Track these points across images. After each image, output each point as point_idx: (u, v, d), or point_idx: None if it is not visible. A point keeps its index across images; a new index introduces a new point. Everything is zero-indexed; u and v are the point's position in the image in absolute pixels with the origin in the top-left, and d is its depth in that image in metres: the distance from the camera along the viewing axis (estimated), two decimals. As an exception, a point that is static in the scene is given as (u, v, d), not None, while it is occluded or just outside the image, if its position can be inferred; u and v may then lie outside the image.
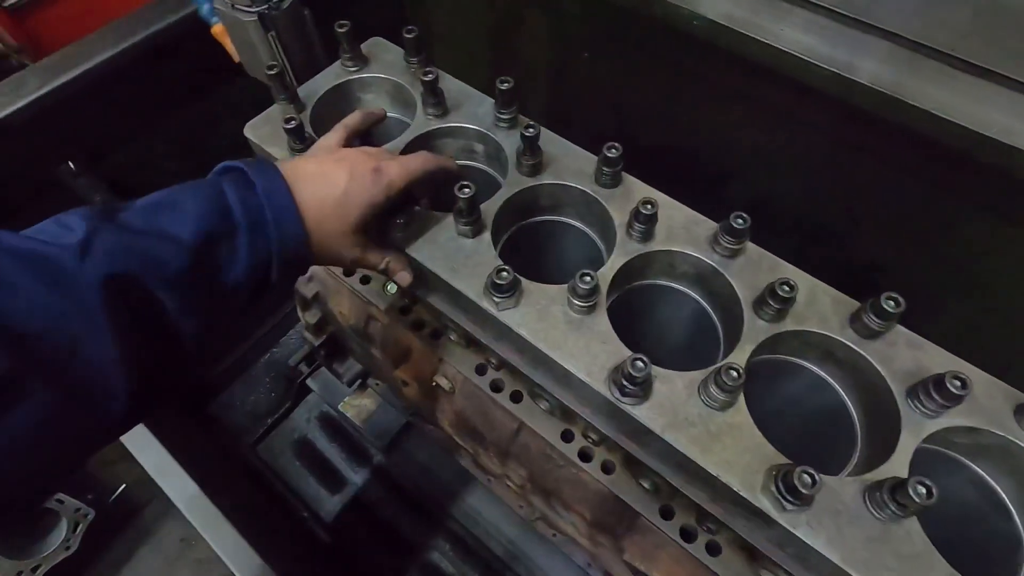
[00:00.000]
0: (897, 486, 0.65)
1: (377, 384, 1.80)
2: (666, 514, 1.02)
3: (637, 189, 0.97)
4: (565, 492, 1.20)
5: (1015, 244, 1.24)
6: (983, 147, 1.03)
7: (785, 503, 0.68)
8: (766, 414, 0.95)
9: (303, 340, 1.92)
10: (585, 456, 1.08)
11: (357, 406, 1.80)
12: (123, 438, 1.37)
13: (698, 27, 1.20)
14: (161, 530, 2.35)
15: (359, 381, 1.80)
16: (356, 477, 2.01)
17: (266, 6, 1.10)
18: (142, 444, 1.30)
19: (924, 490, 0.63)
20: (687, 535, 1.01)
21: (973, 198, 1.24)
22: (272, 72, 1.01)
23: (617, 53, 1.63)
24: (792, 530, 0.69)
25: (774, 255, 0.91)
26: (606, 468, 1.07)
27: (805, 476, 0.66)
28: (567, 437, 1.10)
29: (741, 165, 1.63)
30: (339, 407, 1.82)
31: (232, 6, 1.12)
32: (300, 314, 1.53)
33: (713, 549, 0.99)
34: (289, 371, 2.18)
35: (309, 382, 2.04)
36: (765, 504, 0.70)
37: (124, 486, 2.32)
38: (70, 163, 1.41)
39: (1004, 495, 0.79)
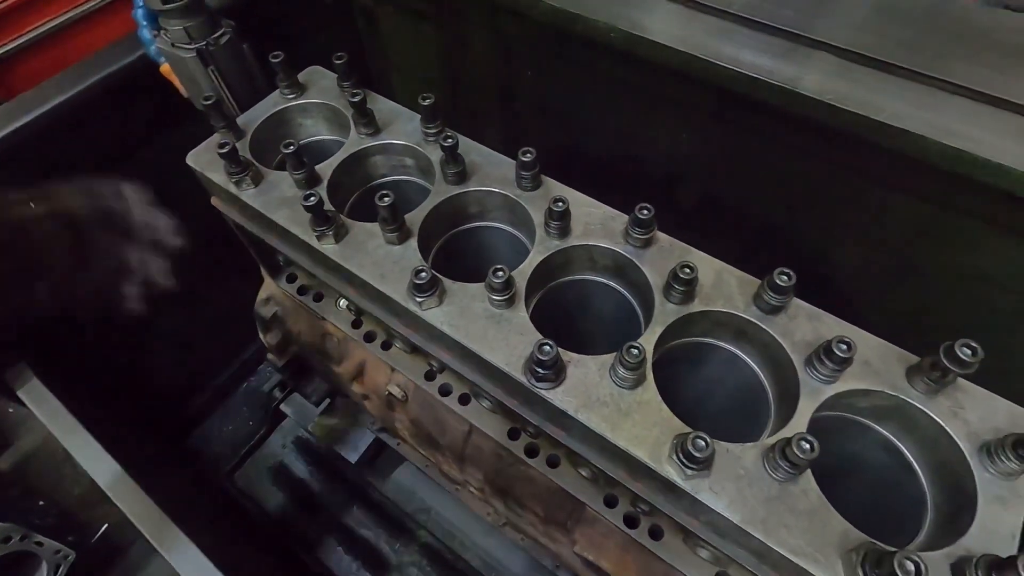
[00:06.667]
0: (785, 445, 0.69)
1: (345, 402, 1.83)
2: (610, 503, 1.05)
3: (554, 190, 1.03)
4: (517, 490, 1.23)
5: (938, 226, 1.30)
6: (883, 132, 1.10)
7: (686, 469, 0.72)
8: (693, 397, 0.99)
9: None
10: (531, 452, 1.11)
11: (327, 426, 1.82)
12: (102, 482, 1.40)
13: (615, 39, 1.27)
14: (146, 570, 2.34)
15: (327, 401, 1.83)
16: (333, 498, 2.02)
17: (204, 43, 1.17)
18: (120, 488, 1.34)
19: (807, 445, 0.67)
20: (630, 522, 1.03)
21: (898, 185, 1.30)
22: (208, 103, 1.07)
23: (556, 69, 1.72)
24: (695, 495, 0.72)
25: (685, 243, 0.96)
26: (551, 462, 1.09)
27: (699, 441, 0.70)
28: (513, 435, 1.13)
29: (684, 169, 1.70)
30: (309, 428, 1.84)
31: (173, 45, 1.19)
32: (261, 336, 1.57)
33: (655, 534, 1.01)
34: (265, 397, 2.21)
35: (283, 407, 2.07)
36: (670, 472, 0.74)
37: (107, 526, 2.31)
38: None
39: (908, 453, 0.82)
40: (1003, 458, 0.71)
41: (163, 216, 0.87)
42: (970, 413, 0.76)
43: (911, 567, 0.59)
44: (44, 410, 1.46)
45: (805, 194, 1.51)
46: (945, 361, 0.73)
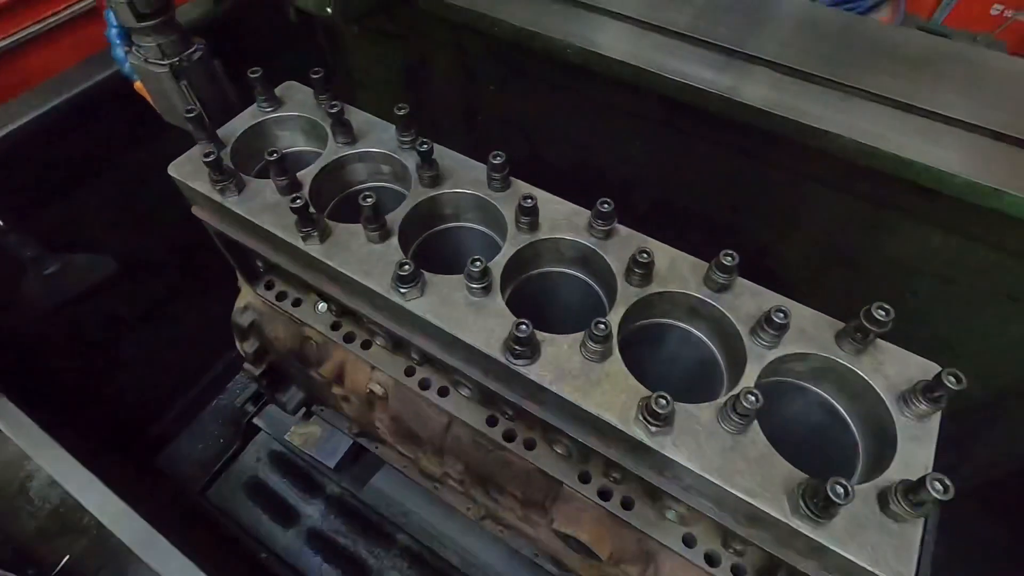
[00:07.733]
0: (734, 400, 0.79)
1: (322, 410, 1.85)
2: (584, 479, 1.13)
3: (523, 189, 1.12)
4: (497, 475, 1.29)
5: (861, 217, 1.46)
6: (808, 134, 1.25)
7: (651, 427, 0.81)
8: (656, 373, 1.09)
9: (248, 380, 1.96)
10: (509, 437, 1.19)
11: (304, 434, 1.84)
12: (75, 492, 1.37)
13: (572, 54, 1.39)
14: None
15: (303, 409, 1.85)
16: (310, 509, 2.02)
17: (176, 59, 1.22)
18: (96, 498, 1.32)
19: (753, 397, 0.77)
20: (604, 495, 1.12)
21: (825, 182, 1.46)
22: (191, 115, 1.12)
23: (517, 84, 1.83)
24: (660, 450, 0.81)
25: (642, 234, 1.07)
26: (528, 445, 1.17)
27: (660, 400, 0.79)
28: (491, 422, 1.20)
29: (638, 175, 1.83)
30: (285, 437, 1.86)
31: (145, 61, 1.24)
32: (239, 345, 1.59)
33: (627, 504, 1.10)
34: (236, 414, 2.20)
35: (256, 420, 2.07)
36: (637, 432, 0.83)
37: (68, 558, 2.23)
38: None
39: (841, 408, 0.94)
40: (916, 403, 0.83)
41: None
42: (889, 368, 0.88)
43: (840, 490, 0.69)
44: (15, 430, 1.43)
45: (746, 194, 1.66)
46: (865, 322, 0.85)
